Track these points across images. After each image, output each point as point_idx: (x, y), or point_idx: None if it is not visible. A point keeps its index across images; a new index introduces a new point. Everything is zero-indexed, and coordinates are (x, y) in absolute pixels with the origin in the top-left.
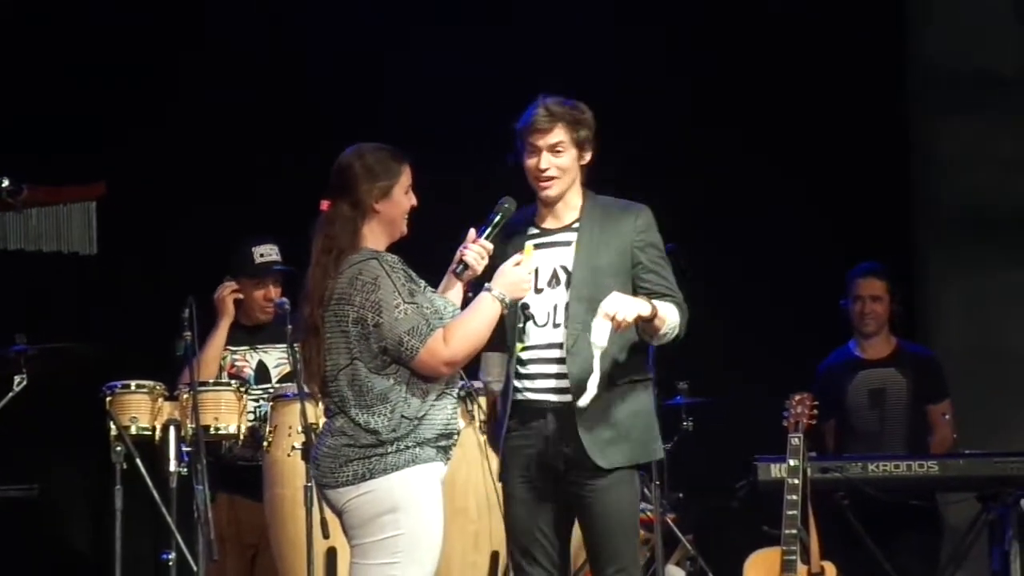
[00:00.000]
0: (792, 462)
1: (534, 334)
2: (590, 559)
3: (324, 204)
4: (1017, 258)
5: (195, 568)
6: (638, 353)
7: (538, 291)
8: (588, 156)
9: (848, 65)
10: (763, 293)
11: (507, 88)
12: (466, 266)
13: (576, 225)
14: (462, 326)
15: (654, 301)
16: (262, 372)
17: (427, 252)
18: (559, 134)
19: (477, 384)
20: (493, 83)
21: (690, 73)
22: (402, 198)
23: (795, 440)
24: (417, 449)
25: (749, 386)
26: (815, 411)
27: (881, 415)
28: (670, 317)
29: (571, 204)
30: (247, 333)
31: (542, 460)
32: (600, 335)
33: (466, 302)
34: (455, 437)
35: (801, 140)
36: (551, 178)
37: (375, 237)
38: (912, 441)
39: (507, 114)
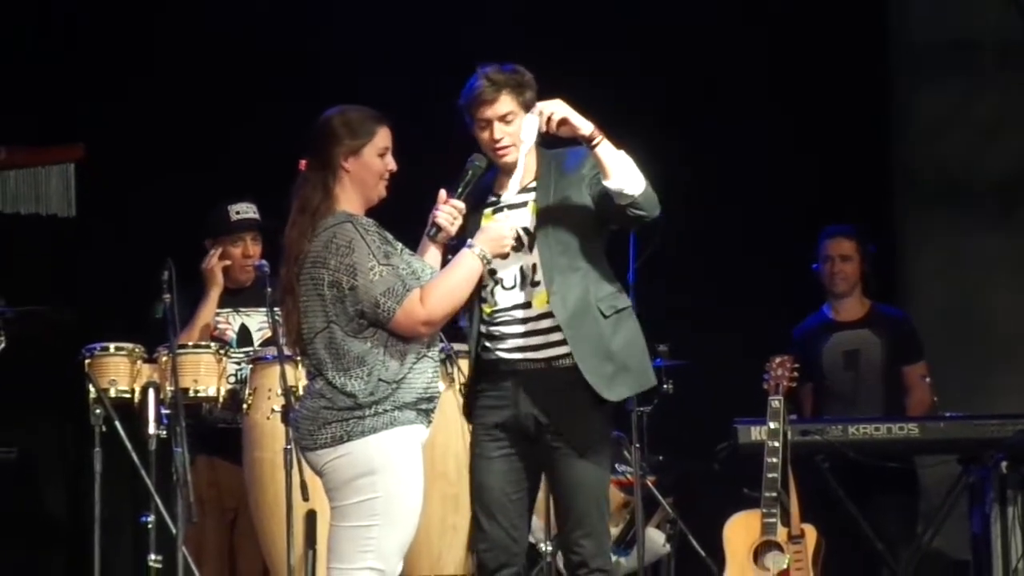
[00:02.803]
0: (772, 425)
1: (502, 297)
2: (558, 521)
3: (302, 163)
4: (993, 223)
5: (174, 531)
6: (613, 282)
7: (504, 255)
8: None
9: (827, 32)
10: (743, 257)
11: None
12: (439, 228)
13: (533, 185)
14: (440, 284)
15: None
16: (244, 335)
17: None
18: (507, 103)
19: (457, 347)
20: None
21: (669, 40)
22: (374, 160)
23: (775, 403)
24: (396, 412)
25: (729, 349)
26: (795, 373)
27: (856, 376)
28: (622, 159)
29: (527, 166)
30: (229, 295)
31: (512, 422)
32: (529, 130)
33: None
34: (436, 400)
35: (779, 106)
36: (507, 146)
37: (348, 198)
38: (888, 402)
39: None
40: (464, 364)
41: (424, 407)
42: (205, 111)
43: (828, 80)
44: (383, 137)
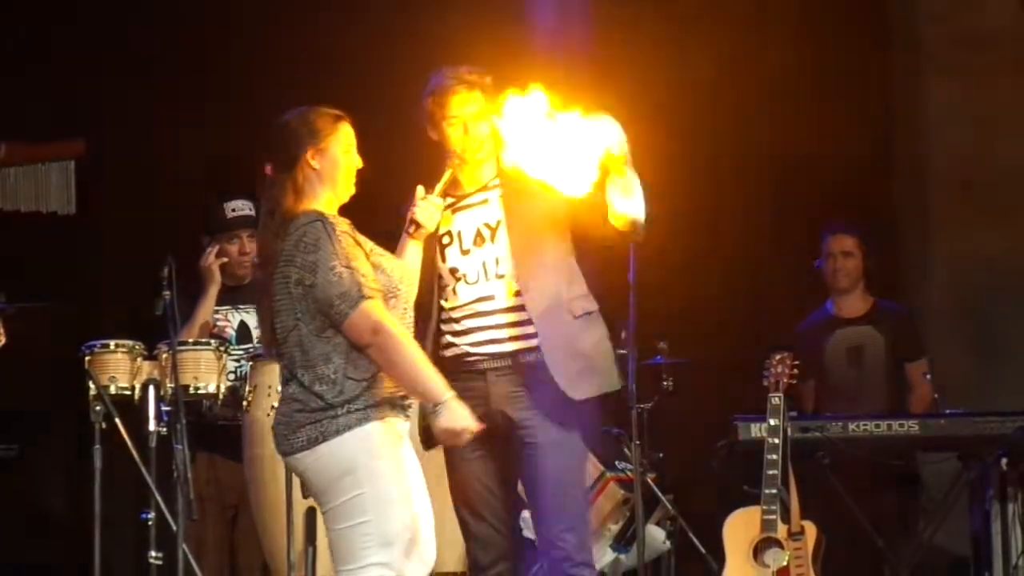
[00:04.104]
0: (772, 422)
1: (465, 292)
2: (535, 519)
3: (267, 168)
4: (998, 220)
5: (175, 527)
6: (582, 284)
7: (465, 252)
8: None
9: (834, 27)
10: (744, 253)
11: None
12: (418, 225)
13: (496, 182)
14: (408, 346)
15: None
16: (244, 332)
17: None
18: (478, 99)
19: None
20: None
21: (668, 27)
22: (340, 156)
23: (775, 399)
24: (370, 409)
25: (729, 346)
26: (795, 370)
27: (859, 373)
28: (639, 187)
29: (488, 165)
30: (229, 292)
31: (483, 419)
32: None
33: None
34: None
35: (783, 99)
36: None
37: (318, 197)
38: (891, 399)
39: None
40: None
41: (400, 403)
42: (205, 108)
43: (833, 76)
44: (346, 134)
